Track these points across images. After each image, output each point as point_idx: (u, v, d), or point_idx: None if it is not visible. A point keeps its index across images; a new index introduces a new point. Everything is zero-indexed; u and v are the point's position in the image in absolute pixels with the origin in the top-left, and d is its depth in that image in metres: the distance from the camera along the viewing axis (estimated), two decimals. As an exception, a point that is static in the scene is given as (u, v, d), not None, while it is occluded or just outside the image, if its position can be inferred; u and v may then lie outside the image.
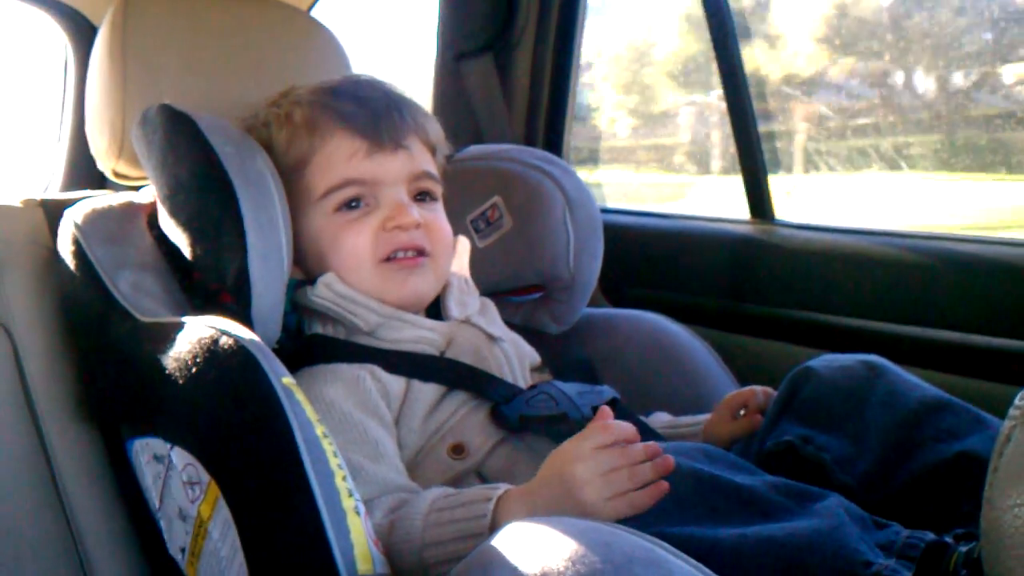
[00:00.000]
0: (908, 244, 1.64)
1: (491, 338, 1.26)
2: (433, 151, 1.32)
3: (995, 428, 1.03)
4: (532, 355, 1.34)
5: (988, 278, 1.53)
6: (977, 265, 1.54)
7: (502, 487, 0.98)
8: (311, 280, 1.23)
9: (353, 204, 1.22)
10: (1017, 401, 0.75)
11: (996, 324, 1.49)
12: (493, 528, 0.92)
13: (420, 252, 1.24)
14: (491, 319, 1.32)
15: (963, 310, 1.54)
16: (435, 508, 0.99)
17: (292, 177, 1.23)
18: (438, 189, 1.30)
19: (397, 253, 1.22)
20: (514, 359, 1.27)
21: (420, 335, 1.22)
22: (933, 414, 1.09)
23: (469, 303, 1.31)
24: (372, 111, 1.25)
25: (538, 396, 1.19)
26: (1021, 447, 0.73)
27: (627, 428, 0.93)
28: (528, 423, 1.15)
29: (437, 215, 1.28)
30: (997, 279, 1.52)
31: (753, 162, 1.86)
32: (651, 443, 0.93)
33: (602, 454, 0.91)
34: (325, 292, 1.21)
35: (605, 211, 1.66)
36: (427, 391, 1.17)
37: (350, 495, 0.88)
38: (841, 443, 1.11)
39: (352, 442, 1.07)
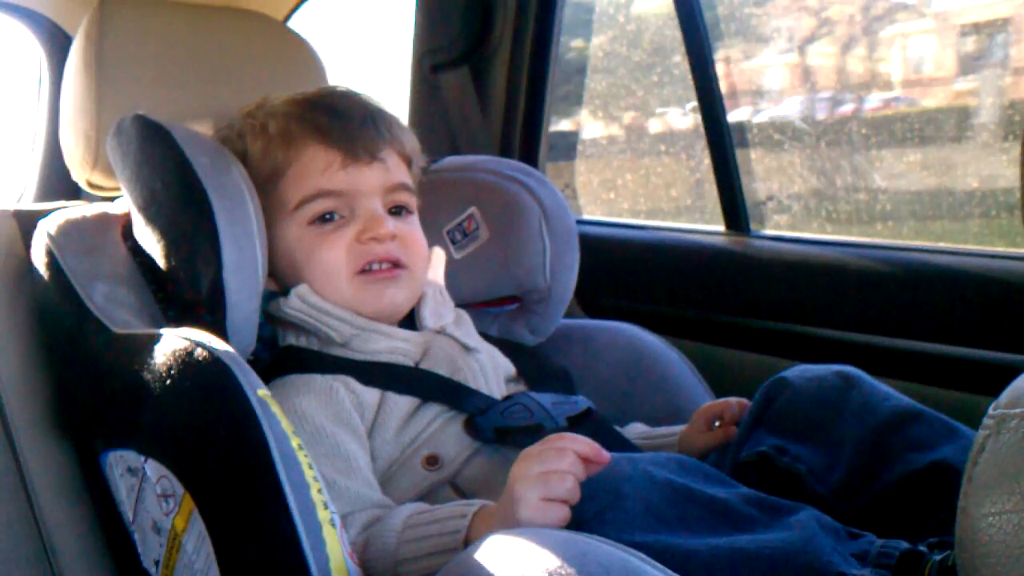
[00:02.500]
0: (881, 255, 1.65)
1: (466, 349, 1.26)
2: (409, 163, 1.32)
3: (968, 438, 1.04)
4: (507, 366, 1.34)
5: (962, 289, 1.53)
6: (951, 276, 1.55)
7: (477, 503, 0.98)
8: (285, 291, 1.22)
9: (328, 216, 1.22)
10: (991, 411, 0.76)
11: (969, 334, 1.50)
12: (467, 545, 0.92)
13: (396, 264, 1.23)
14: (466, 330, 1.31)
15: (936, 321, 1.55)
16: (409, 524, 0.98)
17: (267, 188, 1.22)
18: (413, 202, 1.30)
19: (372, 265, 1.22)
20: (489, 370, 1.26)
21: (395, 346, 1.22)
22: (906, 424, 1.09)
23: (444, 314, 1.31)
24: (347, 123, 1.24)
25: (513, 407, 1.19)
26: (995, 456, 0.73)
27: (580, 445, 0.93)
28: (503, 434, 1.15)
29: (412, 227, 1.28)
30: (970, 290, 1.52)
31: (728, 174, 1.88)
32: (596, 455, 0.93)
33: (543, 477, 0.90)
34: (298, 304, 1.21)
35: (581, 222, 1.67)
36: (401, 402, 1.16)
37: (325, 507, 0.87)
38: (815, 453, 1.11)
39: (324, 456, 1.07)
